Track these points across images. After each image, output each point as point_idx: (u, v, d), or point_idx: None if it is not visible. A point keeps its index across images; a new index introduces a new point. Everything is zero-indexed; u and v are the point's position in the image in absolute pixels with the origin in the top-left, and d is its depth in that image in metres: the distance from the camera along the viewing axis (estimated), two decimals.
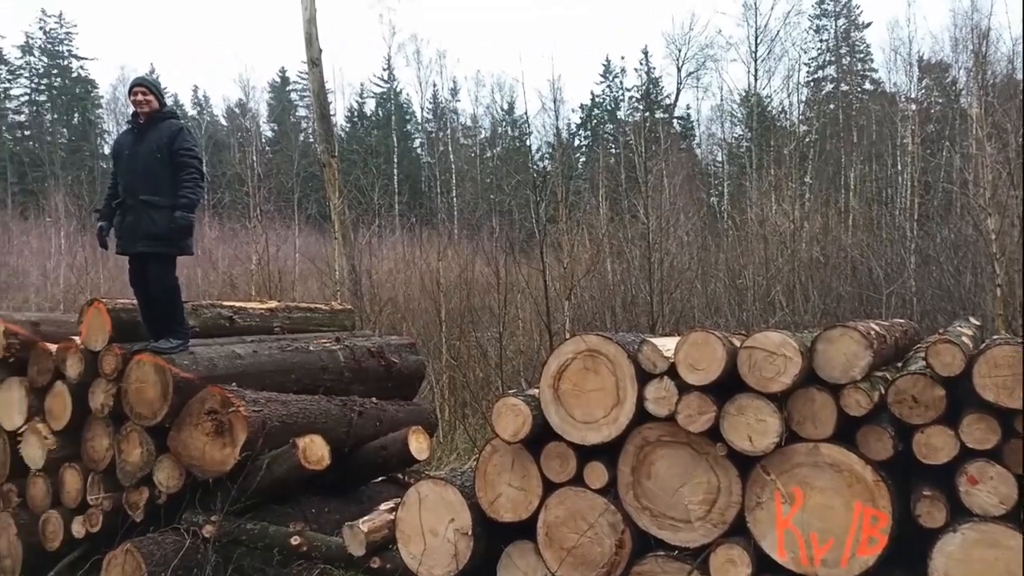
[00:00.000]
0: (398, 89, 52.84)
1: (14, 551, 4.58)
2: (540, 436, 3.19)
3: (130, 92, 4.81)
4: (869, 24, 37.16)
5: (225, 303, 5.60)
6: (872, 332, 2.93)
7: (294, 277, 15.48)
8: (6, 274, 18.87)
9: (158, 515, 4.34)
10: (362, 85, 53.19)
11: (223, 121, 51.55)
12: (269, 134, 45.57)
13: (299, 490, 4.59)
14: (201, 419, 4.27)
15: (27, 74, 48.87)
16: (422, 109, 53.42)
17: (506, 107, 51.10)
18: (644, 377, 2.98)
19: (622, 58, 60.74)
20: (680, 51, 40.71)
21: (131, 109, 4.82)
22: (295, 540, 4.00)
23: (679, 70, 41.76)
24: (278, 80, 54.77)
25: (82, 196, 24.59)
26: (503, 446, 3.28)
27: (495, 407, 3.28)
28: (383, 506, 4.03)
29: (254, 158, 19.68)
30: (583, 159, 42.39)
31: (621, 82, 49.79)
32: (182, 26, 67.84)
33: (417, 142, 54.30)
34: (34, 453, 4.62)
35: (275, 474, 4.25)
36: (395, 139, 49.18)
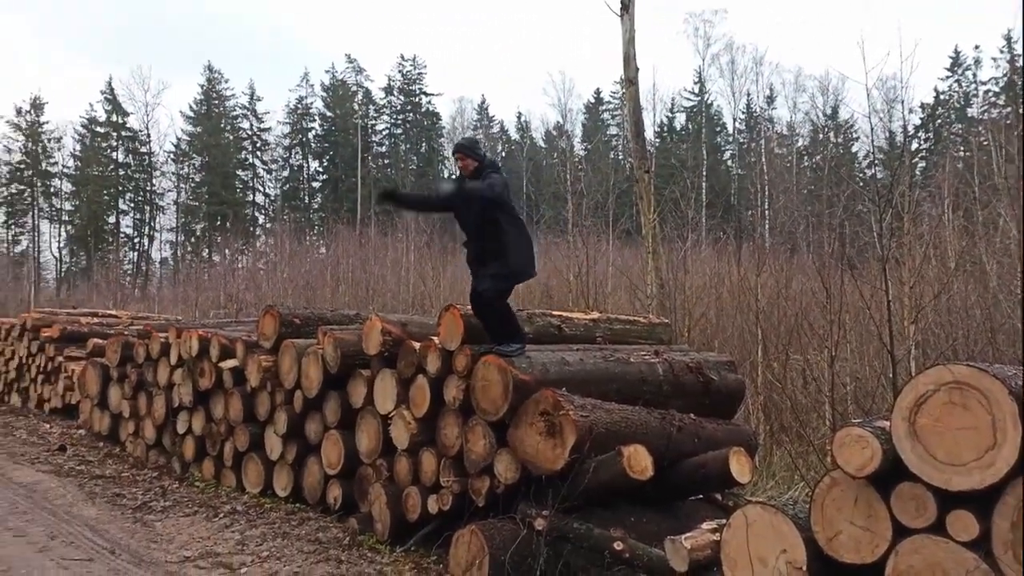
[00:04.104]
0: (709, 101, 52.08)
1: (384, 517, 5.39)
2: (888, 473, 2.90)
3: (454, 156, 5.48)
4: None
5: (554, 312, 6.00)
6: None
7: (607, 289, 16.03)
8: (373, 281, 22.48)
9: (497, 503, 4.78)
10: (672, 100, 53.48)
11: (541, 143, 55.62)
12: (582, 153, 47.96)
13: (619, 497, 4.72)
14: (535, 419, 4.62)
15: (388, 111, 57.96)
16: (734, 120, 51.94)
17: (829, 111, 47.49)
18: None
19: (976, 47, 52.45)
20: None
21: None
22: (618, 545, 4.13)
23: None
24: (592, 100, 57.52)
25: (429, 215, 28.18)
26: (845, 480, 3.03)
27: (837, 436, 3.06)
28: (705, 525, 3.96)
29: (569, 177, 20.89)
30: (922, 164, 37.64)
31: (974, 75, 43.32)
32: (508, 58, 74.74)
33: (727, 154, 52.92)
34: (400, 435, 5.40)
35: (600, 479, 4.42)
36: (704, 152, 48.47)
